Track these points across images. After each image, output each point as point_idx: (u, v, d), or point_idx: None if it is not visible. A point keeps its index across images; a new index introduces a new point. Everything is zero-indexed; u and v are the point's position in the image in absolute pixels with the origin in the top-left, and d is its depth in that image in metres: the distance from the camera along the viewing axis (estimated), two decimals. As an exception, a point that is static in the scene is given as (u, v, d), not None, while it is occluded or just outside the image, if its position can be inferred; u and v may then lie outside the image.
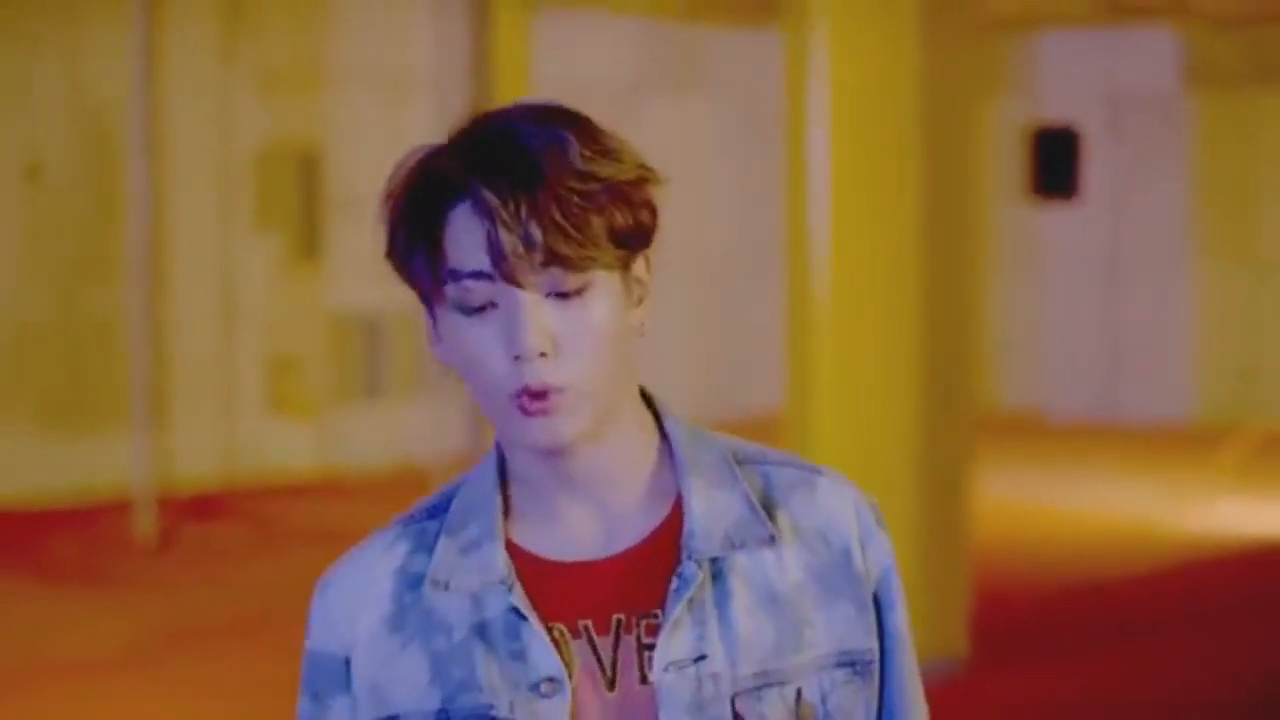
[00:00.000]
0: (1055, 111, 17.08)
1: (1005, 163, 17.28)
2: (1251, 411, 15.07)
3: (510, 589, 1.75)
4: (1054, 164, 17.11)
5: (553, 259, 1.70)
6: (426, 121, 14.06)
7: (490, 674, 1.74)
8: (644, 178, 1.77)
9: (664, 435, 1.84)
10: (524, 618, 1.74)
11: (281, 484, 13.01)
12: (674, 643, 1.74)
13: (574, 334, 1.72)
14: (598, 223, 1.72)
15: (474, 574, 1.76)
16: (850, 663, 1.80)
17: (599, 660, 1.75)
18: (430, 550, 1.79)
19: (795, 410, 7.45)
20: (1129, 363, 16.74)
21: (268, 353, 13.66)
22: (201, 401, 13.09)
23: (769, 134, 12.65)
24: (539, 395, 1.70)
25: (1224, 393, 15.92)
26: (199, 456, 12.81)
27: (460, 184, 1.72)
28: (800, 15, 7.87)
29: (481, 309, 1.73)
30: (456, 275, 1.72)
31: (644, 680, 1.75)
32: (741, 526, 1.78)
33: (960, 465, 7.82)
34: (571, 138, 1.74)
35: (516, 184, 1.71)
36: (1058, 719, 6.97)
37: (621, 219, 1.74)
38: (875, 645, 1.82)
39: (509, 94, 13.98)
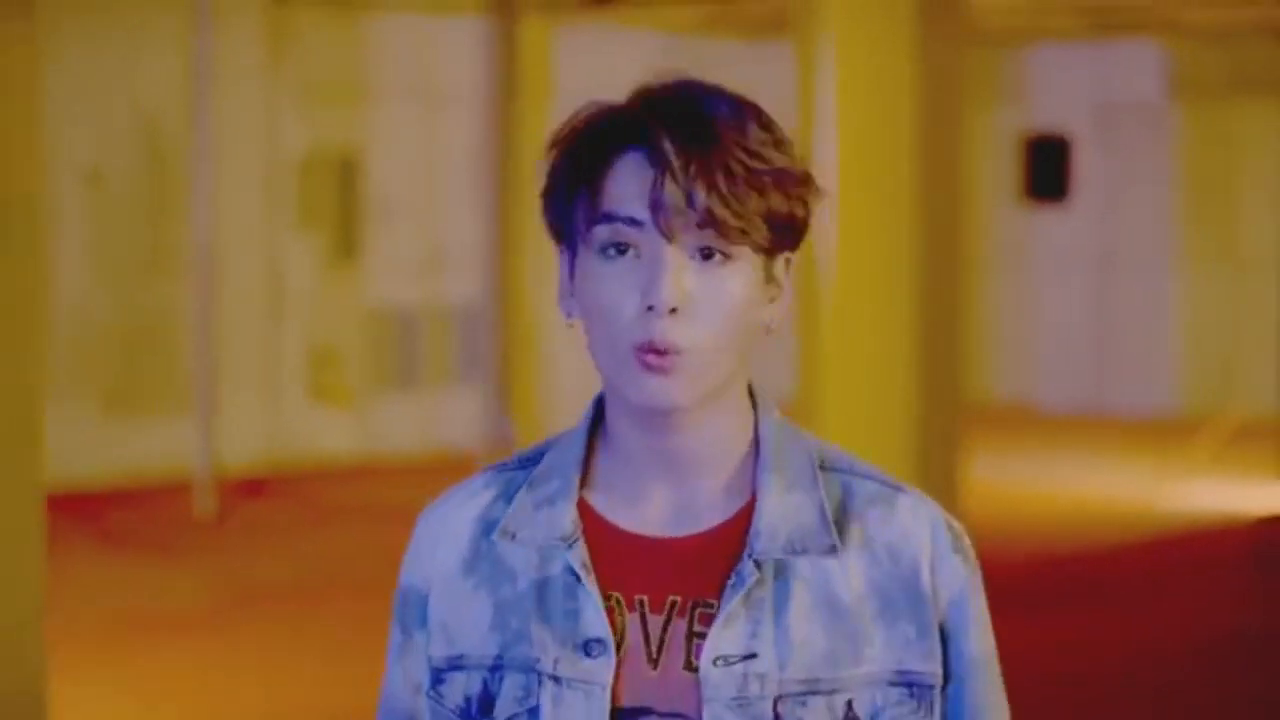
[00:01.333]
0: (1047, 120, 17.25)
1: (1000, 168, 17.45)
2: (1231, 402, 15.34)
3: (571, 548, 1.75)
4: (1046, 169, 17.28)
5: (708, 221, 1.69)
6: (457, 130, 14.53)
7: (541, 629, 1.74)
8: (808, 179, 1.77)
9: (757, 430, 1.81)
10: (579, 580, 1.74)
11: (322, 468, 13.43)
12: (725, 637, 1.72)
13: (708, 300, 1.71)
14: (757, 201, 1.71)
15: (541, 529, 1.77)
16: (907, 684, 1.75)
17: (647, 637, 1.74)
18: (511, 500, 1.80)
19: (803, 398, 7.92)
20: (1116, 357, 16.93)
21: (309, 345, 13.98)
22: (248, 390, 13.45)
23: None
24: (661, 352, 1.69)
25: (1205, 385, 16.14)
26: (246, 441, 13.20)
27: (638, 131, 1.72)
28: (808, 30, 8.33)
29: (624, 256, 1.72)
30: (611, 217, 1.71)
31: (688, 666, 1.73)
32: (807, 533, 1.75)
33: (952, 448, 8.26)
34: (751, 119, 1.74)
35: (692, 142, 1.70)
36: (1025, 665, 7.47)
37: (779, 206, 1.73)
38: (938, 670, 1.77)
39: (533, 104, 14.56)
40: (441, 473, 12.87)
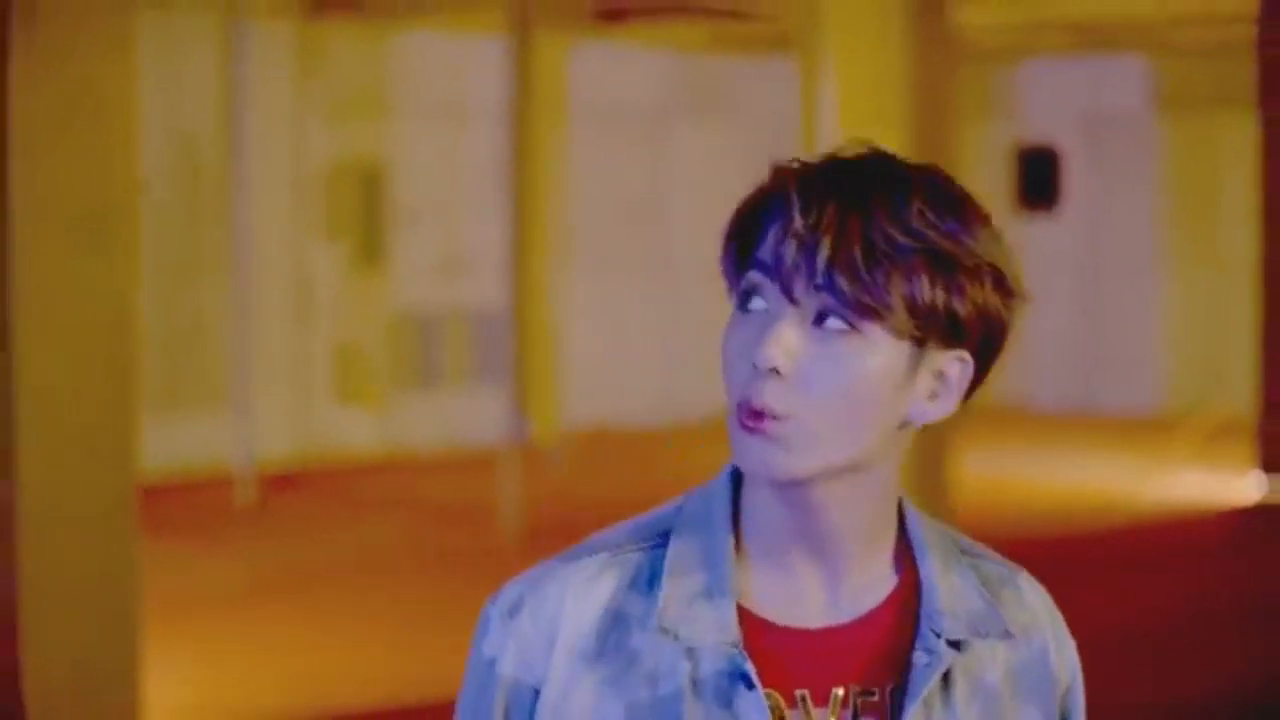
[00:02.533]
0: (1037, 132, 17.39)
1: (993, 178, 17.42)
2: (1213, 400, 15.62)
3: (740, 653, 1.61)
4: (1037, 179, 17.39)
5: (828, 284, 1.57)
6: (477, 143, 14.74)
7: None
8: (984, 271, 1.60)
9: (900, 517, 1.71)
10: (750, 685, 1.61)
11: (349, 463, 13.80)
12: None
13: (822, 370, 1.58)
14: (897, 280, 1.57)
15: (706, 630, 1.62)
16: None
17: None
18: (643, 590, 1.65)
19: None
20: (1106, 358, 17.09)
21: (336, 347, 14.23)
22: (279, 389, 13.74)
23: (784, 153, 13.46)
24: (757, 414, 1.58)
25: (1190, 384, 16.32)
26: (277, 438, 13.51)
27: (785, 191, 1.61)
28: (811, 50, 8.83)
29: (754, 312, 1.61)
30: (747, 265, 1.62)
31: None
32: (982, 617, 1.68)
33: (941, 446, 8.65)
34: (919, 194, 1.61)
35: (830, 201, 1.59)
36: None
37: (929, 293, 1.58)
38: None
39: (549, 117, 14.92)
40: (461, 468, 13.48)
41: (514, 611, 1.65)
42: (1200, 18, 14.28)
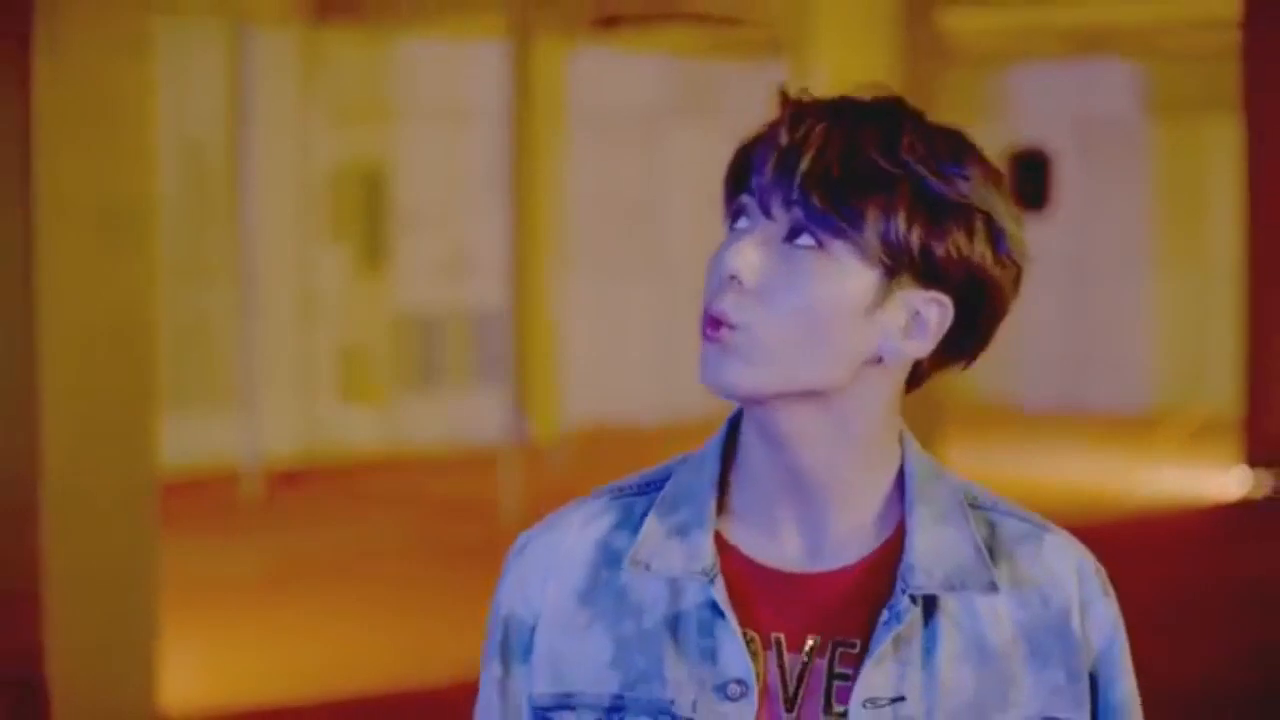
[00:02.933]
0: (1029, 135, 17.45)
1: None
2: (1199, 398, 15.78)
3: (712, 581, 1.60)
4: (1028, 181, 17.24)
5: (802, 199, 1.54)
6: (478, 146, 14.81)
7: (677, 668, 1.60)
8: (974, 217, 1.58)
9: (902, 467, 1.66)
10: (721, 615, 1.59)
11: (352, 461, 13.99)
12: (875, 678, 1.58)
13: (784, 283, 1.55)
14: (874, 206, 1.54)
15: (678, 559, 1.62)
16: None
17: (784, 678, 1.60)
18: (635, 528, 1.65)
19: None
20: (1094, 357, 17.20)
21: (340, 347, 14.37)
22: (284, 388, 13.89)
23: None
24: (716, 323, 1.58)
25: (1177, 382, 16.49)
26: (282, 436, 13.68)
27: (783, 115, 1.59)
28: (801, 54, 9.10)
29: (737, 228, 1.60)
30: (731, 185, 1.62)
31: (828, 710, 1.59)
32: (964, 569, 1.62)
33: (927, 443, 9.08)
34: (917, 130, 1.57)
35: (819, 122, 1.56)
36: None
37: (904, 225, 1.55)
38: (1085, 717, 1.65)
39: (547, 121, 14.95)
40: (463, 465, 13.67)
41: (520, 553, 1.68)
42: (1188, 23, 14.43)
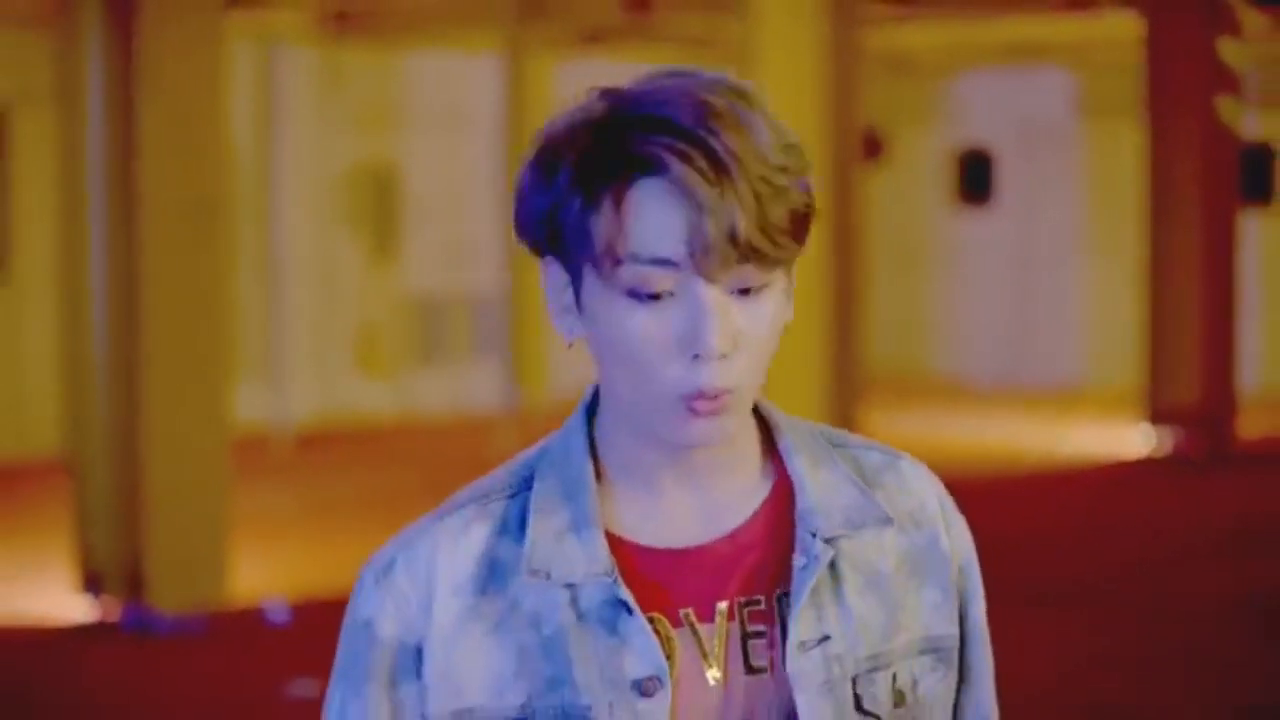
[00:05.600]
0: (974, 136, 18.23)
1: (935, 176, 18.38)
2: (1124, 372, 16.32)
3: (615, 581, 1.53)
4: (973, 178, 18.21)
5: (751, 254, 1.46)
6: (477, 149, 15.46)
7: (587, 672, 1.53)
8: (808, 162, 1.51)
9: (759, 419, 1.62)
10: (629, 610, 1.53)
11: (365, 426, 14.99)
12: (803, 622, 1.55)
13: (750, 334, 1.49)
14: (787, 217, 1.47)
15: (578, 563, 1.54)
16: (935, 649, 1.62)
17: (703, 650, 1.55)
18: (515, 535, 1.56)
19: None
20: (1032, 336, 17.86)
21: (355, 325, 15.13)
22: (306, 362, 14.71)
23: None
24: (713, 397, 1.48)
25: (1105, 359, 17.19)
26: (303, 403, 14.61)
27: (653, 159, 1.46)
28: (749, 69, 9.89)
29: (656, 297, 1.48)
30: (638, 259, 1.47)
31: (749, 669, 1.56)
32: (857, 508, 1.59)
33: (852, 406, 9.77)
34: (761, 121, 1.48)
35: (718, 169, 1.45)
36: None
37: (803, 214, 1.49)
38: (957, 632, 1.64)
39: (539, 126, 15.88)
40: (463, 429, 14.81)
41: (387, 571, 1.58)
42: (1113, 40, 15.28)
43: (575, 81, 15.43)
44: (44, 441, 13.58)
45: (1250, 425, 14.35)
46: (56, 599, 8.65)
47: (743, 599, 1.57)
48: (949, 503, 1.68)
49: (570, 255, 1.52)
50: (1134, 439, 13.96)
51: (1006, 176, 18.20)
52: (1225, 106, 13.52)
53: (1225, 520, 11.12)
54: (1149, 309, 13.81)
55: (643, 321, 1.49)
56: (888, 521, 1.60)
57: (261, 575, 9.10)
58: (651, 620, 1.55)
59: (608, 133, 1.50)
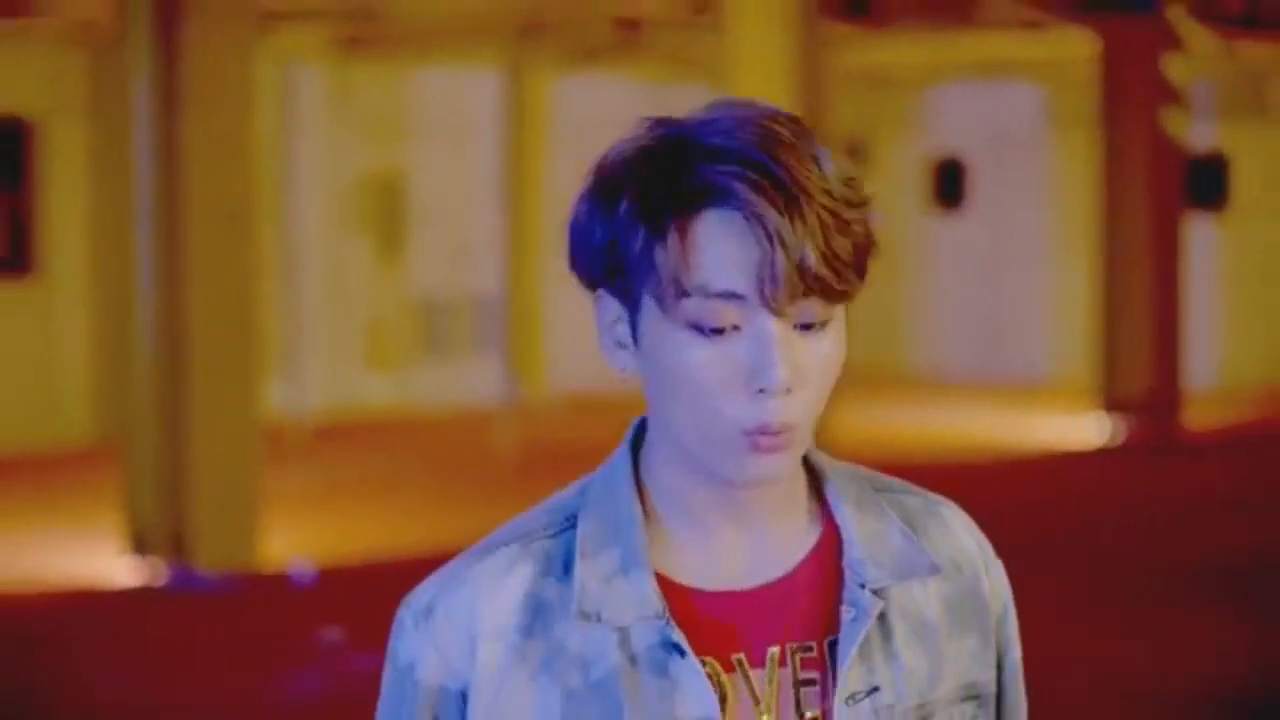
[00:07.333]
0: (948, 146, 18.72)
1: (911, 183, 18.81)
2: (1087, 366, 16.46)
3: (667, 623, 1.49)
4: (947, 185, 18.70)
5: (817, 287, 1.42)
6: (479, 158, 15.87)
7: (638, 714, 1.49)
8: (869, 196, 1.47)
9: (806, 462, 1.58)
10: (682, 653, 1.48)
11: (372, 417, 15.56)
12: (851, 673, 1.51)
13: (812, 369, 1.45)
14: (851, 250, 1.43)
15: (628, 607, 1.50)
16: (975, 696, 1.59)
17: (755, 695, 1.51)
18: (560, 575, 1.52)
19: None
20: (1003, 335, 18.38)
21: (364, 323, 15.60)
22: (319, 358, 15.22)
23: None
24: (776, 432, 1.44)
25: (1073, 355, 17.62)
26: (315, 396, 15.09)
27: (722, 188, 1.42)
28: (725, 82, 10.70)
29: (720, 331, 1.44)
30: (705, 291, 1.43)
31: (800, 716, 1.52)
32: (905, 557, 1.56)
33: (830, 399, 10.51)
34: (823, 152, 1.45)
35: (789, 200, 1.41)
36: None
37: (867, 248, 1.45)
38: (994, 677, 1.61)
39: (537, 136, 16.09)
40: (464, 421, 15.42)
41: (428, 614, 1.53)
42: (1078, 57, 15.80)
43: (571, 95, 16.92)
44: (75, 431, 14.28)
45: (1205, 417, 15.03)
46: (104, 563, 9.61)
47: (794, 645, 1.53)
48: (988, 548, 1.63)
49: (629, 287, 1.48)
50: (1090, 428, 14.69)
51: (978, 183, 18.68)
52: (1170, 118, 14.29)
53: (1170, 501, 11.92)
54: (1102, 307, 14.63)
55: (706, 355, 1.45)
56: (935, 570, 1.57)
57: (287, 543, 10.06)
58: (703, 664, 1.50)
59: (671, 162, 1.45)
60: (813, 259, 1.41)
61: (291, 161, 14.59)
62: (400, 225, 15.91)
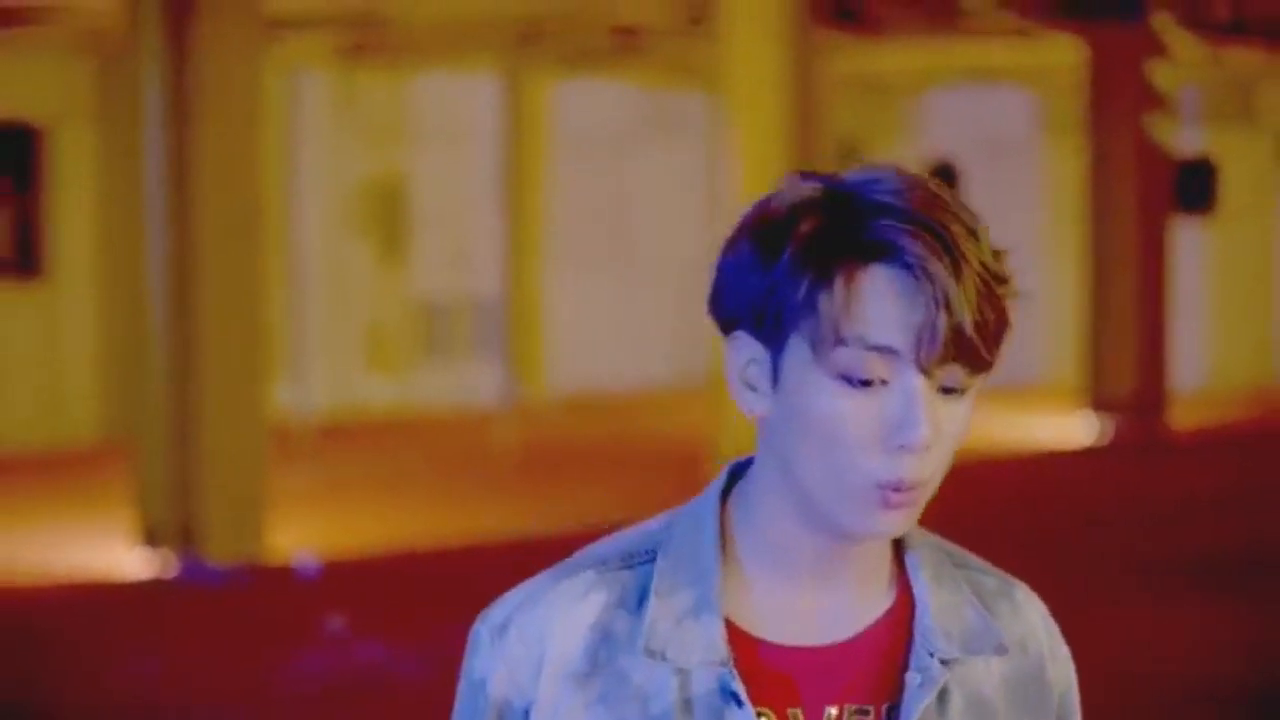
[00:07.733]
0: (942, 150, 19.02)
1: None
2: (1079, 368, 16.78)
3: (729, 671, 1.50)
4: None
5: (968, 355, 1.45)
6: (479, 162, 16.09)
7: None
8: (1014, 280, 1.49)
9: None
10: (740, 703, 1.50)
11: (374, 418, 15.93)
12: None
13: (949, 432, 1.47)
14: (998, 323, 1.46)
15: (695, 649, 1.51)
16: None
17: None
18: (633, 608, 1.54)
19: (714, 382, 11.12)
20: None
21: (366, 326, 15.90)
22: (320, 359, 15.51)
23: (722, 167, 13.39)
24: (909, 489, 1.47)
25: (1066, 357, 17.97)
26: (319, 397, 15.34)
27: (893, 245, 1.44)
28: (719, 89, 10.89)
29: (869, 383, 1.45)
30: (864, 343, 1.44)
31: None
32: (976, 633, 1.56)
33: None
34: (980, 227, 1.48)
35: (955, 263, 1.43)
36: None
37: (1006, 325, 1.48)
38: None
39: (535, 142, 16.39)
40: (465, 422, 15.76)
41: (502, 631, 1.56)
42: (1069, 64, 15.96)
43: (569, 100, 17.03)
44: (81, 430, 14.59)
45: (1192, 418, 15.32)
46: (117, 556, 9.90)
47: (852, 707, 1.53)
48: (1056, 633, 1.63)
49: (780, 332, 1.48)
50: (1078, 428, 15.04)
51: (971, 187, 18.83)
52: (1155, 123, 14.61)
53: (1157, 499, 12.21)
54: (1090, 308, 14.99)
55: (852, 405, 1.45)
56: (1004, 650, 1.57)
57: (292, 537, 10.36)
58: (759, 714, 1.51)
59: (840, 215, 1.46)
60: (969, 325, 1.43)
61: (295, 167, 14.84)
62: (401, 229, 16.17)
